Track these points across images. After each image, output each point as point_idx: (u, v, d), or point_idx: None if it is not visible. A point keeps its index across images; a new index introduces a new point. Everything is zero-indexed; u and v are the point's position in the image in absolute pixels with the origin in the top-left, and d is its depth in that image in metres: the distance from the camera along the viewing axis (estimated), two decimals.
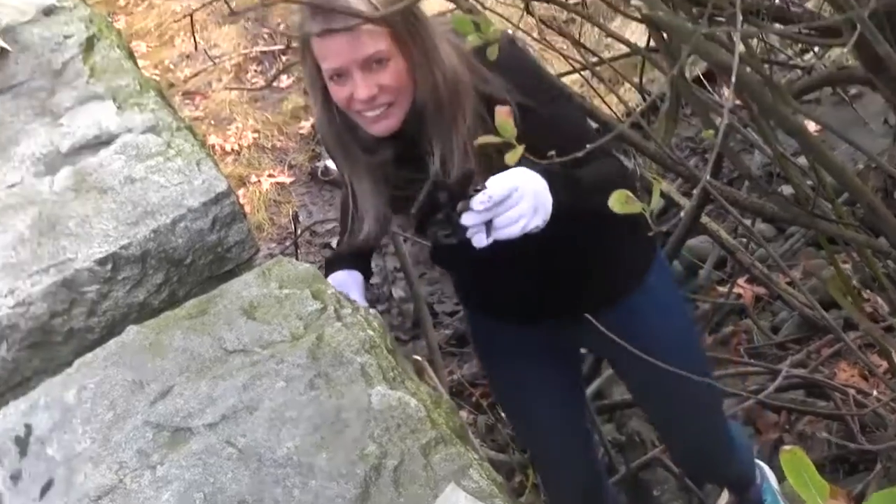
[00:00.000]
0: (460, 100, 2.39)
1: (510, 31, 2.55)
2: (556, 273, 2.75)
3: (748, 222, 3.86)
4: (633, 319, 2.84)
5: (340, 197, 2.91)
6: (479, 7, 3.34)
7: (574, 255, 2.71)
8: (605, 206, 2.37)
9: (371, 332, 2.26)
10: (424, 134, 2.45)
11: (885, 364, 3.38)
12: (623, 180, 2.36)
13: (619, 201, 1.89)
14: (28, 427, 2.24)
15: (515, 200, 2.19)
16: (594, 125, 3.05)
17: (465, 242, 2.69)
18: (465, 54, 2.42)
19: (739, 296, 4.21)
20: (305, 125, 6.17)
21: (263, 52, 6.81)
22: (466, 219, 2.21)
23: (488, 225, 2.22)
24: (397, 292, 5.04)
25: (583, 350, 3.44)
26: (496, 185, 2.20)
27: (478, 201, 2.19)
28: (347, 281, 2.69)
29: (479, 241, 2.23)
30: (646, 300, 2.85)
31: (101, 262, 2.49)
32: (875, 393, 3.39)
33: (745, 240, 4.14)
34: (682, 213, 3.80)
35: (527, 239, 2.58)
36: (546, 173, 2.23)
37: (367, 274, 2.77)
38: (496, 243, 2.63)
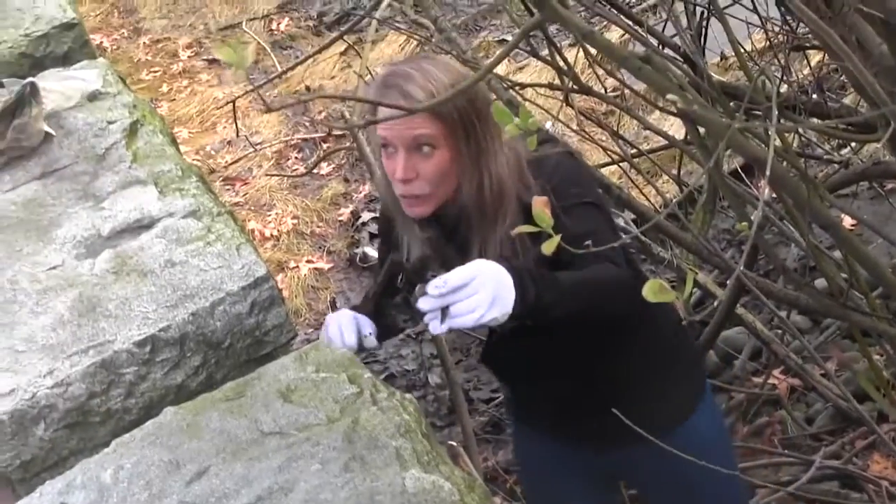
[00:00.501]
0: (503, 203, 2.41)
1: (569, 145, 2.55)
2: (587, 397, 2.72)
3: (783, 314, 3.86)
4: (667, 463, 2.79)
5: (379, 250, 2.90)
6: (519, 98, 3.39)
7: (606, 382, 2.69)
8: (599, 310, 2.39)
9: (406, 417, 2.27)
10: (465, 225, 2.47)
11: None
12: (620, 289, 2.34)
13: (653, 291, 1.90)
14: None
15: (473, 290, 2.15)
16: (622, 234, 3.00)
17: (511, 353, 2.71)
18: (519, 163, 2.44)
19: (774, 386, 4.20)
20: (345, 212, 6.23)
21: (304, 140, 6.89)
22: (422, 303, 2.19)
23: (445, 312, 2.19)
24: (433, 379, 5.05)
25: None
26: (454, 272, 2.18)
27: (433, 286, 2.16)
28: (350, 319, 2.64)
29: (434, 328, 2.19)
30: (684, 444, 2.68)
31: (140, 344, 2.52)
32: None
33: (780, 331, 4.14)
34: (717, 304, 3.81)
35: (560, 358, 2.60)
36: (516, 270, 2.20)
37: (382, 323, 2.67)
38: (531, 358, 2.66)
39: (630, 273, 2.42)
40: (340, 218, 6.26)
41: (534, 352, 2.65)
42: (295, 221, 6.20)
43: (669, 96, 2.11)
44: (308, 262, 5.93)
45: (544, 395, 2.82)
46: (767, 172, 1.92)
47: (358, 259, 5.89)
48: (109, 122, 3.10)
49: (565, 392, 2.73)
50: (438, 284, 2.16)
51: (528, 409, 3.00)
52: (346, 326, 2.62)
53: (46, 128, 3.05)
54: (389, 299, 2.32)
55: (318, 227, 6.21)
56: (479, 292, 2.14)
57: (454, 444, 2.85)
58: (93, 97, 3.21)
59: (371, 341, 2.56)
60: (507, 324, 2.22)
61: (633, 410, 2.70)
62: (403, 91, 2.38)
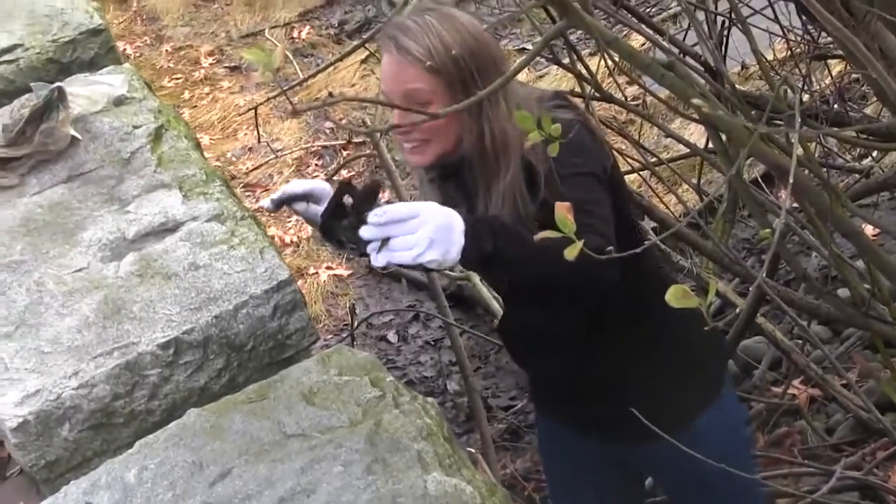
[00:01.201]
0: (507, 154, 2.37)
1: (585, 114, 2.49)
2: (588, 379, 2.70)
3: (804, 323, 3.86)
4: (677, 461, 2.78)
5: None
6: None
7: (609, 365, 2.64)
8: (567, 276, 2.35)
9: (428, 420, 2.28)
10: (466, 174, 2.45)
11: None
12: (593, 261, 2.29)
13: (675, 297, 1.90)
14: None
15: (413, 227, 2.09)
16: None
17: (517, 325, 2.70)
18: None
19: (794, 397, 4.18)
20: None
21: (325, 147, 6.90)
22: (364, 231, 2.13)
23: (385, 244, 2.13)
24: (452, 386, 5.05)
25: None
26: (392, 206, 2.15)
27: (374, 214, 2.12)
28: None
29: (374, 259, 2.13)
30: (692, 444, 2.61)
31: (164, 346, 2.54)
32: None
33: (800, 341, 4.13)
34: (737, 313, 3.81)
35: (561, 333, 2.59)
36: (477, 219, 2.18)
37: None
38: (535, 330, 2.65)
39: (605, 244, 2.31)
40: None
41: (537, 323, 2.65)
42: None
43: (694, 101, 2.12)
44: (328, 268, 5.93)
45: (547, 373, 2.79)
46: (790, 180, 1.93)
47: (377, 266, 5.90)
48: (135, 127, 3.13)
49: (567, 369, 2.69)
50: (379, 213, 2.12)
51: (535, 389, 2.99)
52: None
53: (73, 132, 3.08)
54: (338, 221, 2.27)
55: None
56: (418, 231, 2.09)
57: (472, 450, 2.85)
58: (119, 102, 3.23)
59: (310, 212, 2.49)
60: (479, 274, 2.20)
61: (637, 402, 2.70)
62: (398, 44, 2.36)
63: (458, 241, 2.11)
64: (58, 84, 3.11)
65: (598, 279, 2.27)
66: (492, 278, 2.26)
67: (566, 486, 3.11)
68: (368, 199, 2.21)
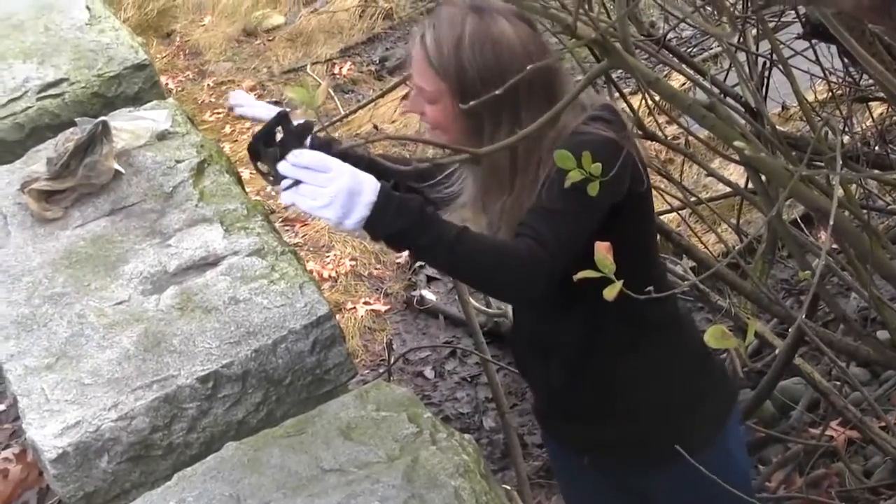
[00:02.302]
0: (532, 158, 2.36)
1: (625, 132, 2.46)
2: (576, 394, 2.67)
3: (843, 365, 3.84)
4: (665, 493, 2.76)
5: None
6: None
7: (599, 383, 2.62)
8: (482, 275, 2.35)
9: (465, 457, 2.29)
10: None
11: None
12: (514, 267, 2.24)
13: (714, 337, 1.90)
14: None
15: (323, 181, 2.13)
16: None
17: (522, 333, 2.70)
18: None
19: (832, 438, 4.16)
20: (403, 254, 6.25)
21: None
22: (281, 166, 2.18)
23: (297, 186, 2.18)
24: (488, 422, 5.05)
25: None
26: (313, 154, 2.19)
27: (293, 153, 2.17)
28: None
29: (284, 196, 2.18)
30: (682, 480, 2.64)
31: (203, 379, 2.55)
32: None
33: (839, 382, 4.11)
34: (776, 353, 3.79)
35: (555, 345, 2.58)
36: (394, 198, 2.18)
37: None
38: (533, 341, 2.65)
39: (544, 263, 2.24)
40: (398, 260, 6.28)
41: (537, 328, 2.66)
42: (353, 263, 6.22)
43: (735, 143, 2.12)
44: (365, 303, 5.94)
45: (544, 384, 2.77)
46: (831, 222, 1.93)
47: (415, 302, 5.90)
48: (177, 161, 3.15)
49: (561, 382, 2.65)
50: (297, 154, 2.17)
51: (537, 403, 2.97)
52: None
53: (116, 166, 3.10)
54: (266, 147, 2.29)
55: (376, 269, 6.24)
56: (325, 187, 2.13)
57: (508, 487, 2.85)
58: (162, 136, 3.25)
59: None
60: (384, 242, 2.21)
61: (624, 429, 2.67)
62: (423, 38, 2.38)
63: (359, 210, 2.14)
64: (102, 118, 3.13)
65: (517, 286, 2.29)
66: (419, 258, 2.29)
67: (573, 500, 3.10)
68: (298, 137, 2.26)
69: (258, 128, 2.35)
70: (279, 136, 2.28)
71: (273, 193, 5.91)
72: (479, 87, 2.33)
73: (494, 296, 2.48)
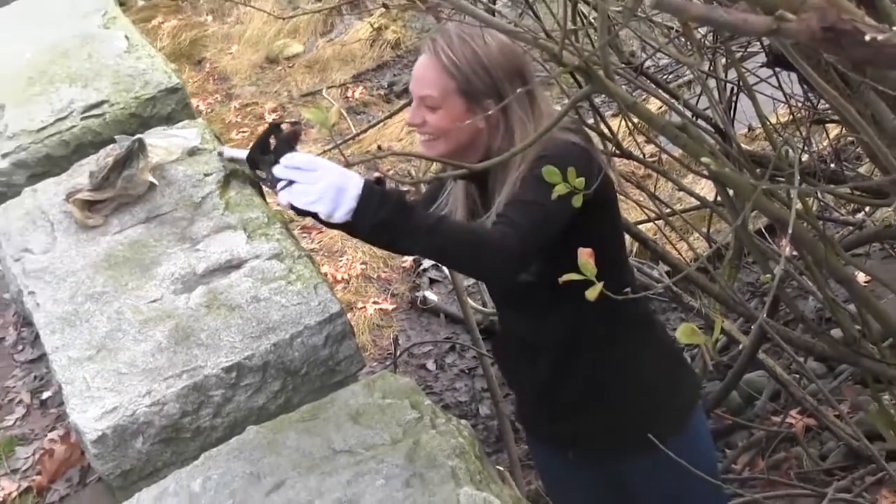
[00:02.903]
0: (516, 160, 2.38)
1: (586, 140, 2.48)
2: (567, 404, 2.67)
3: (801, 360, 3.84)
4: (643, 480, 2.74)
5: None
6: None
7: (578, 380, 2.62)
8: (458, 258, 2.33)
9: (461, 440, 2.28)
10: (489, 178, 2.45)
11: None
12: (489, 250, 2.24)
13: (685, 334, 1.90)
14: None
15: (312, 180, 2.16)
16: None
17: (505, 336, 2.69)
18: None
19: (791, 425, 4.15)
20: (408, 259, 6.25)
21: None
22: (276, 169, 2.21)
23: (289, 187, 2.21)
24: (483, 410, 5.04)
25: None
26: (302, 155, 2.23)
27: (286, 158, 2.21)
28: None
29: (280, 196, 2.22)
30: (656, 468, 2.63)
31: (228, 370, 2.56)
32: None
33: (797, 375, 4.10)
34: (741, 349, 3.79)
35: (537, 342, 2.58)
36: (375, 191, 2.19)
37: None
38: (516, 341, 2.64)
39: (515, 247, 2.25)
40: (404, 265, 6.28)
41: (521, 330, 2.66)
42: (363, 267, 6.22)
43: (703, 160, 2.13)
44: (374, 303, 5.94)
45: (528, 384, 2.75)
46: (790, 231, 1.93)
47: (419, 301, 5.89)
48: (205, 175, 3.15)
49: (544, 381, 2.65)
50: (288, 158, 2.20)
51: (520, 405, 2.97)
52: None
53: (151, 178, 3.11)
54: (262, 155, 2.33)
55: (384, 272, 6.23)
56: (315, 184, 2.15)
57: (501, 468, 2.84)
58: (192, 152, 3.26)
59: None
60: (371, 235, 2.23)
61: (604, 421, 2.66)
62: (431, 46, 2.42)
63: (347, 203, 2.16)
64: (138, 136, 3.14)
65: (491, 268, 2.31)
66: (395, 246, 2.31)
67: (560, 501, 3.09)
68: (288, 143, 2.29)
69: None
70: (273, 144, 2.32)
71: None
72: (488, 81, 2.37)
73: (472, 275, 2.51)
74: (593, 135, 2.82)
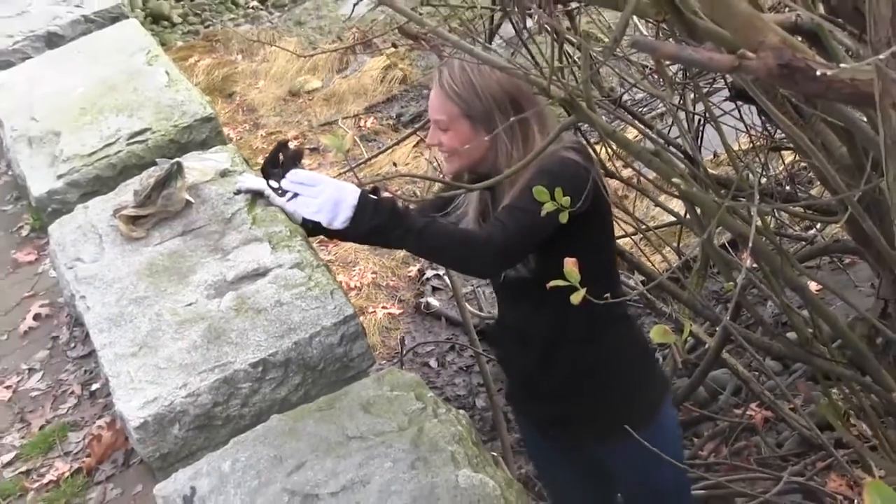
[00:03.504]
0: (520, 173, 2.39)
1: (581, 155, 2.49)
2: (544, 377, 2.67)
3: (760, 358, 3.84)
4: (621, 461, 2.74)
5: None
6: None
7: (563, 369, 2.62)
8: (447, 257, 2.41)
9: (460, 428, 2.29)
10: (496, 186, 2.47)
11: (868, 477, 3.33)
12: (475, 248, 2.28)
13: (658, 334, 1.90)
14: (193, 489, 2.28)
15: (314, 193, 2.24)
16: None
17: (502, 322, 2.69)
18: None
19: (751, 417, 4.16)
20: (413, 269, 6.24)
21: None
22: (284, 183, 2.30)
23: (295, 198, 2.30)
24: (479, 402, 5.03)
25: None
26: (303, 172, 2.31)
27: (291, 173, 2.29)
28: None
29: (287, 205, 2.33)
30: (630, 450, 2.60)
31: (254, 365, 2.56)
32: (856, 501, 3.33)
33: (757, 372, 4.11)
34: (707, 349, 3.79)
35: (527, 331, 2.60)
36: (370, 201, 2.24)
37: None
38: (509, 326, 2.67)
39: (498, 244, 2.27)
40: (409, 274, 6.28)
41: (514, 320, 2.67)
42: (374, 275, 6.22)
43: (674, 180, 2.13)
44: (383, 308, 5.93)
45: (519, 369, 2.76)
46: (750, 245, 1.94)
47: (423, 307, 5.89)
48: (235, 194, 3.15)
49: (534, 366, 2.65)
50: (293, 174, 2.29)
51: (511, 388, 2.94)
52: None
53: (188, 197, 3.11)
54: (273, 168, 2.38)
55: (392, 280, 6.23)
56: (316, 197, 2.24)
57: (495, 454, 2.84)
58: (224, 173, 3.26)
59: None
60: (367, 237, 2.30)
61: (584, 407, 2.66)
62: (439, 76, 2.45)
63: (344, 212, 2.24)
64: (177, 159, 3.14)
65: (474, 262, 2.34)
66: (390, 247, 2.38)
67: (546, 475, 3.10)
68: (294, 159, 2.36)
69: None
70: (282, 160, 2.39)
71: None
72: (488, 106, 2.39)
73: (461, 271, 2.55)
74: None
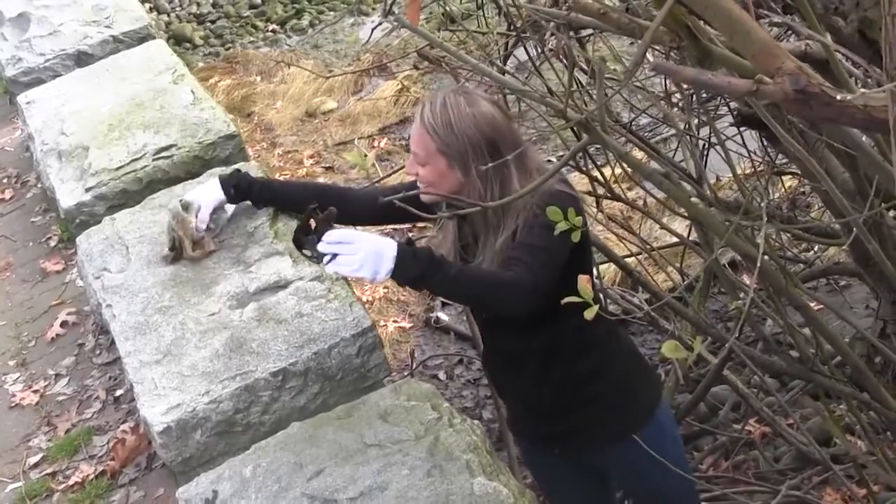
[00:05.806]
0: (508, 216, 2.37)
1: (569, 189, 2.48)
2: (541, 398, 2.65)
3: (760, 375, 3.82)
4: (620, 466, 2.74)
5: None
6: None
7: (557, 389, 2.61)
8: (483, 301, 2.41)
9: (475, 438, 2.28)
10: (478, 221, 2.45)
11: (863, 492, 3.32)
12: (509, 291, 2.27)
13: (669, 349, 1.89)
14: (215, 492, 2.27)
15: (352, 251, 2.20)
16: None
17: (493, 350, 2.71)
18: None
19: (750, 432, 4.14)
20: None
21: (395, 229, 6.95)
22: (321, 246, 2.26)
23: (334, 259, 2.25)
24: (486, 414, 5.01)
25: None
26: (339, 232, 2.27)
27: (327, 235, 2.25)
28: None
29: (327, 267, 2.26)
30: (629, 456, 2.62)
31: (275, 374, 2.55)
32: None
33: (756, 389, 4.09)
34: (710, 367, 3.78)
35: (520, 359, 2.58)
36: (408, 251, 2.22)
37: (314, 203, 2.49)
38: (504, 357, 2.66)
39: (529, 283, 2.27)
40: None
41: (507, 345, 2.64)
42: (385, 290, 6.21)
43: (693, 200, 2.12)
44: (394, 321, 5.92)
45: (515, 392, 2.75)
46: (758, 264, 1.93)
47: (432, 321, 5.88)
48: (257, 208, 3.15)
49: (530, 388, 2.64)
50: (329, 235, 2.25)
51: (510, 413, 2.93)
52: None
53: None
54: (305, 236, 2.37)
55: (403, 295, 6.22)
56: (356, 254, 2.20)
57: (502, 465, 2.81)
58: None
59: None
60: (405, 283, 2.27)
61: (582, 420, 2.64)
62: (421, 110, 2.43)
63: (386, 265, 2.20)
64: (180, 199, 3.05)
65: (510, 303, 2.31)
66: (432, 293, 2.39)
67: (546, 486, 3.09)
68: (327, 222, 2.33)
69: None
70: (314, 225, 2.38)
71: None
72: (464, 147, 2.37)
73: (495, 311, 2.50)
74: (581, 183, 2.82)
